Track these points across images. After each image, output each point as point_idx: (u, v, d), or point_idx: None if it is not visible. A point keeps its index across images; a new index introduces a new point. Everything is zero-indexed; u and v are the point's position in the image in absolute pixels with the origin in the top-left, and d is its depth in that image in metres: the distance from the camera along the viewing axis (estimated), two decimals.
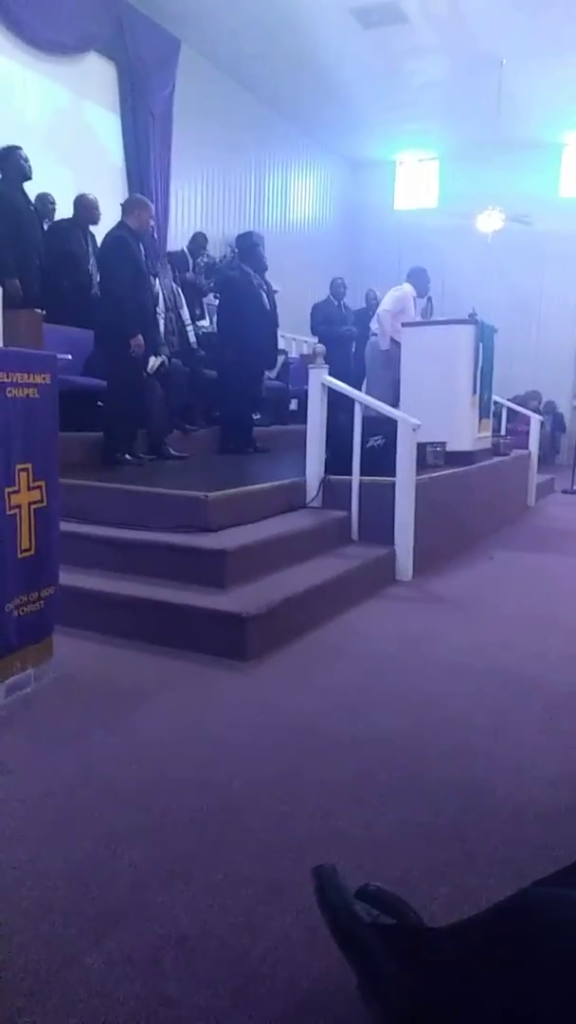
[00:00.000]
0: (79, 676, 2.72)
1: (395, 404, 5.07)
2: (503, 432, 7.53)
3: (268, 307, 6.24)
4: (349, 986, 1.26)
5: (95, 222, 5.93)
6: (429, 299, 6.90)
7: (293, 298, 8.98)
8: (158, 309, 5.76)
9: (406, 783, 2.06)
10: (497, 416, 7.35)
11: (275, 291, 7.37)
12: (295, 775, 2.08)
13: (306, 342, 8.74)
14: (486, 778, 2.09)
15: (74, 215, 5.96)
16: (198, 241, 7.43)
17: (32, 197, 5.60)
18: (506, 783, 2.06)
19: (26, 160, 5.26)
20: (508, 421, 8.13)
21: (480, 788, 2.03)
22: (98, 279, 5.42)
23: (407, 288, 6.64)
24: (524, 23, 8.14)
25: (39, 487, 2.58)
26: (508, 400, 8.31)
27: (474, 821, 1.88)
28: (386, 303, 6.62)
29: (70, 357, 3.20)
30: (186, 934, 1.46)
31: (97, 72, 7.68)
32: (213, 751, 2.22)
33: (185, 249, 7.33)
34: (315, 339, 7.81)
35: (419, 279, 6.70)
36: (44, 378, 2.58)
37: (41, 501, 2.59)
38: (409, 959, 1.15)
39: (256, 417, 6.78)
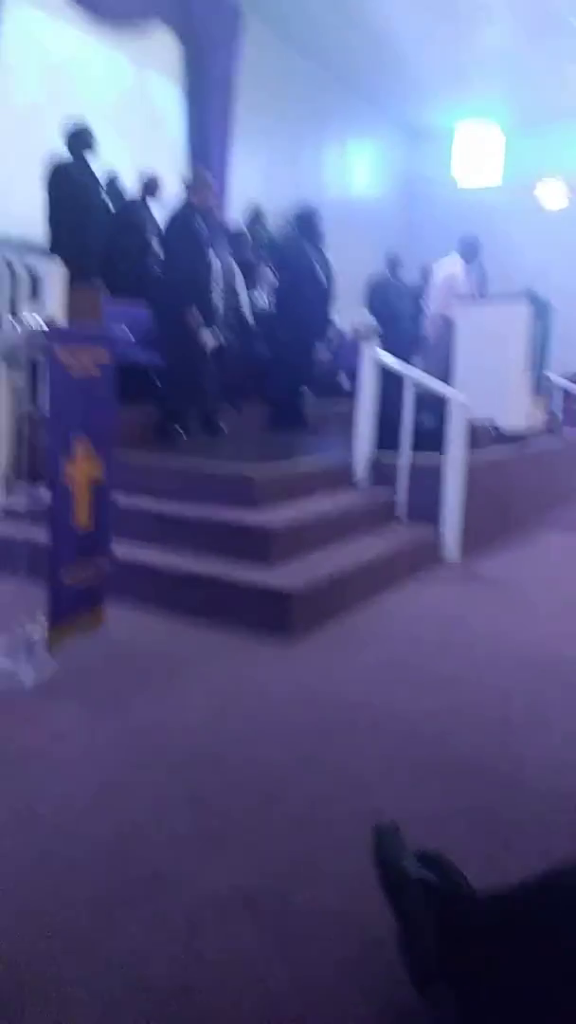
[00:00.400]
0: (128, 646, 2.82)
1: (445, 381, 5.01)
2: (559, 410, 7.37)
3: (324, 282, 6.20)
4: (384, 955, 1.31)
5: (156, 196, 5.98)
6: (480, 265, 6.68)
7: (348, 270, 8.87)
8: (216, 285, 5.78)
9: (441, 762, 2.09)
10: (551, 394, 7.19)
11: (330, 265, 7.31)
12: (332, 752, 2.14)
13: (359, 318, 8.63)
14: (520, 761, 2.11)
15: (139, 191, 6.02)
16: (256, 216, 7.38)
17: (97, 172, 5.66)
18: (541, 767, 2.08)
19: (93, 138, 5.33)
20: (564, 400, 7.94)
21: (515, 770, 2.06)
22: (161, 256, 5.47)
23: (455, 262, 6.49)
24: None
25: (96, 461, 2.66)
26: (566, 379, 8.10)
27: (510, 803, 1.91)
28: (442, 283, 6.49)
29: (132, 338, 3.26)
30: (224, 900, 1.53)
31: (160, 43, 7.64)
32: (254, 725, 2.29)
33: (244, 228, 7.30)
34: (368, 314, 7.71)
35: (467, 247, 6.52)
36: (104, 355, 2.65)
37: (98, 475, 2.67)
38: (446, 916, 1.20)
39: (305, 391, 6.76)
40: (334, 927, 1.46)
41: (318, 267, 6.12)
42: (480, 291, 6.67)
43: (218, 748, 2.13)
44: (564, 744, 2.22)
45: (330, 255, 7.31)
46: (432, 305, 6.43)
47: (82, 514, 2.63)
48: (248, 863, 1.64)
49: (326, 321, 6.51)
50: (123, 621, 2.94)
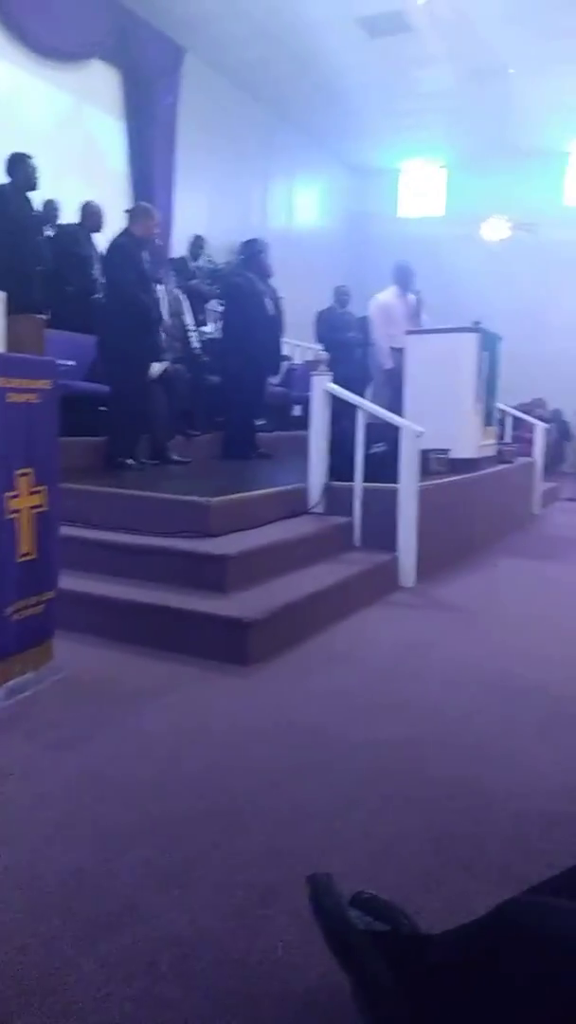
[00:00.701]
0: (80, 680, 2.73)
1: (397, 411, 5.08)
2: (509, 440, 7.53)
3: (272, 313, 6.26)
4: (345, 991, 1.26)
5: (99, 229, 5.97)
6: (417, 294, 6.82)
7: (298, 304, 8.99)
8: (162, 315, 5.79)
9: (405, 789, 2.05)
10: (502, 424, 7.35)
11: (280, 297, 7.40)
12: (295, 780, 2.08)
13: (310, 348, 8.75)
14: (486, 784, 2.08)
15: (80, 221, 6.00)
16: (197, 244, 7.45)
17: (37, 203, 5.64)
18: (506, 790, 2.06)
19: (34, 170, 5.30)
20: (514, 429, 8.13)
21: (480, 794, 2.03)
22: (104, 286, 5.46)
23: (389, 292, 6.63)
24: (531, 33, 8.17)
25: (40, 492, 2.59)
26: (514, 408, 8.30)
27: (473, 827, 1.87)
28: (376, 317, 6.62)
29: (72, 363, 3.23)
30: (182, 937, 1.45)
31: (101, 79, 7.73)
32: (213, 755, 2.22)
33: (187, 255, 7.36)
34: (319, 346, 7.82)
35: (401, 275, 6.65)
36: (45, 384, 2.60)
37: (41, 506, 2.60)
38: (402, 966, 1.15)
39: (260, 423, 6.80)
40: (299, 960, 1.40)
41: (266, 299, 6.18)
42: (416, 318, 6.78)
43: (176, 780, 2.06)
44: (524, 767, 2.21)
45: (280, 288, 7.42)
46: (373, 335, 6.53)
47: (27, 546, 2.55)
48: (209, 900, 1.57)
49: (278, 353, 6.56)
50: (75, 654, 2.85)
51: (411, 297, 6.78)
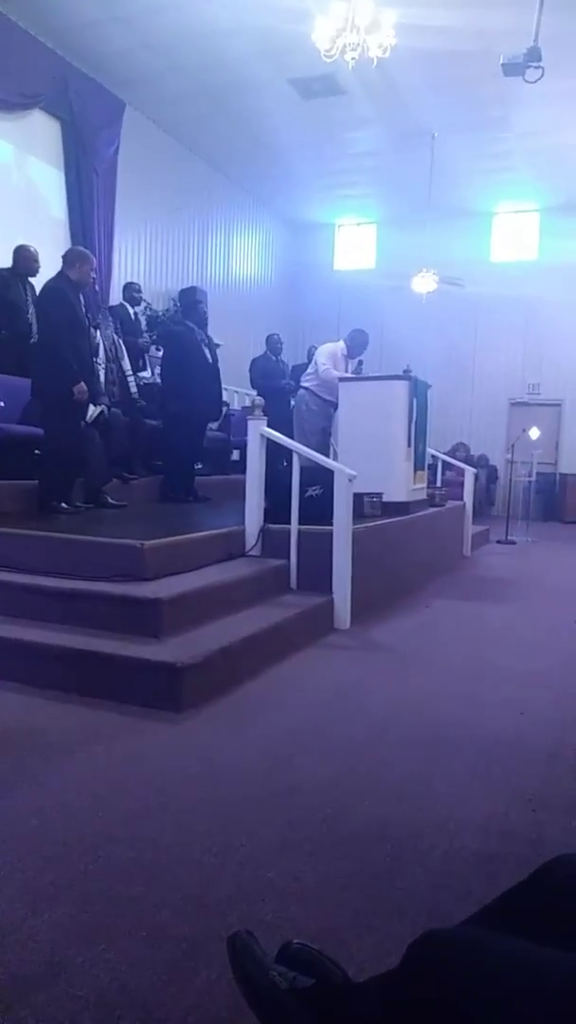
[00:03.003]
0: (3, 729, 2.64)
1: (322, 453, 5.17)
2: (439, 484, 7.73)
3: (210, 360, 6.34)
4: None
5: (34, 273, 5.97)
6: (360, 363, 7.03)
7: (236, 352, 9.15)
8: (98, 359, 5.80)
9: (336, 832, 2.04)
10: (433, 468, 7.55)
11: (218, 345, 7.49)
12: (225, 827, 2.05)
13: (248, 395, 8.87)
14: (416, 824, 2.09)
15: (13, 265, 5.99)
16: (131, 290, 7.52)
17: None
18: (435, 829, 2.07)
19: None
20: (444, 474, 8.35)
21: (410, 835, 2.04)
22: (36, 328, 5.43)
23: (340, 345, 6.83)
24: (454, 100, 8.66)
25: None
26: (438, 452, 8.56)
27: (403, 868, 1.87)
28: (323, 359, 6.77)
29: (2, 404, 3.19)
30: (106, 996, 1.40)
31: (41, 129, 7.81)
32: (142, 805, 2.17)
33: (124, 302, 7.41)
34: (255, 392, 7.94)
35: (354, 341, 6.86)
36: None
37: None
38: (326, 1015, 1.13)
39: (198, 467, 6.82)
40: (225, 1014, 1.36)
41: (205, 347, 6.26)
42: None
43: (102, 832, 2.00)
44: (453, 807, 2.22)
45: (218, 336, 7.52)
46: (326, 377, 6.64)
47: None
48: (135, 955, 1.52)
49: (220, 398, 6.63)
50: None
51: (353, 362, 7.00)
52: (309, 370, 6.97)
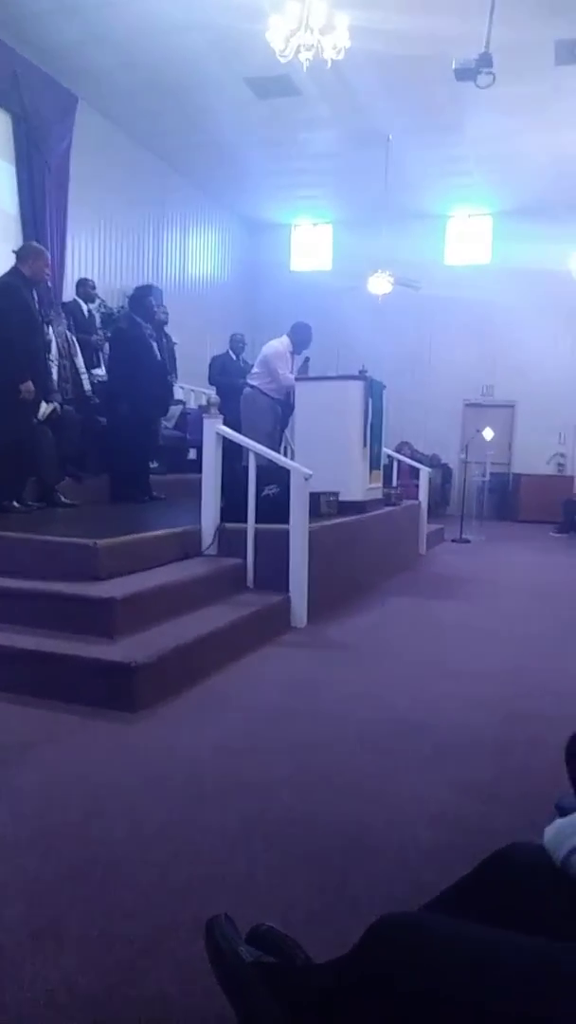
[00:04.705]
0: None
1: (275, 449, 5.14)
2: (395, 483, 7.80)
3: (159, 357, 6.29)
4: None
5: None
6: (307, 359, 6.97)
7: (192, 351, 9.10)
8: (51, 356, 5.71)
9: (291, 827, 2.05)
10: (388, 468, 7.60)
11: (175, 343, 7.44)
12: (179, 824, 2.04)
13: (204, 393, 8.83)
14: (370, 818, 2.11)
15: None
16: (86, 287, 7.42)
17: None
18: (389, 823, 2.09)
19: None
20: (400, 473, 8.43)
21: (363, 828, 2.05)
22: None
23: (285, 341, 6.72)
24: (409, 103, 8.75)
25: None
26: (400, 452, 8.64)
27: (357, 861, 1.88)
28: (278, 364, 6.64)
29: None
30: (56, 998, 1.38)
31: None
32: (95, 804, 2.14)
33: (77, 298, 7.31)
34: (213, 390, 7.90)
35: (298, 335, 6.74)
36: None
37: None
38: (287, 996, 1.15)
39: (153, 465, 6.75)
40: (178, 1011, 1.35)
41: (154, 343, 6.21)
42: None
43: (53, 832, 1.97)
44: (406, 799, 2.25)
45: (174, 334, 7.47)
46: (281, 376, 6.56)
47: None
48: (88, 955, 1.50)
49: (168, 395, 6.57)
50: None
51: (299, 358, 6.91)
52: (256, 368, 6.88)
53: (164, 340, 6.52)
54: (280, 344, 6.70)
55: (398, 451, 9.64)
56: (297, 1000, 1.16)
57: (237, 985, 1.22)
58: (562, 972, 0.91)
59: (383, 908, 1.66)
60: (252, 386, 6.77)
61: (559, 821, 1.12)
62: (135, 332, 6.07)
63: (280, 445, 6.71)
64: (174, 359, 7.46)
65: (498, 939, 0.98)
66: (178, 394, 8.51)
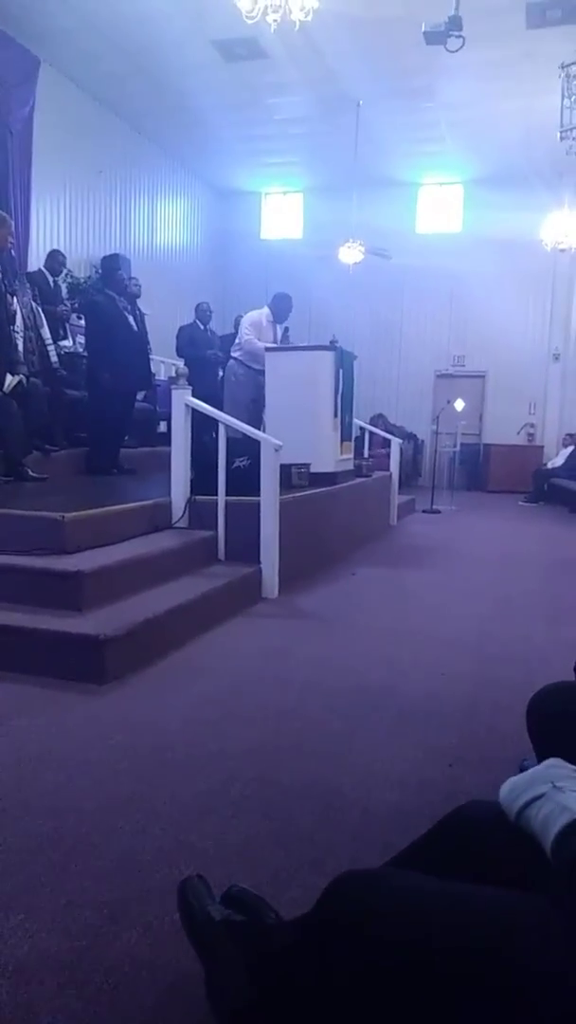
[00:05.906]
0: None
1: (254, 424, 5.16)
2: (366, 454, 7.82)
3: (136, 329, 6.21)
4: (193, 1000, 1.26)
5: None
6: (287, 329, 6.97)
7: (161, 321, 8.98)
8: (16, 328, 5.59)
9: (259, 793, 2.08)
10: (360, 439, 7.62)
11: (144, 314, 7.33)
12: (149, 793, 2.06)
13: (174, 364, 8.74)
14: (337, 782, 2.15)
15: None
16: (56, 259, 7.27)
17: None
18: (355, 786, 2.13)
19: None
20: (371, 444, 8.45)
21: (330, 792, 2.09)
22: None
23: (265, 311, 6.75)
24: (379, 68, 8.62)
25: None
26: (372, 423, 8.65)
27: (323, 824, 1.92)
28: (247, 329, 6.68)
29: None
30: (25, 963, 1.40)
31: None
32: (64, 776, 2.15)
33: (43, 268, 7.16)
34: (181, 361, 7.82)
35: (278, 306, 6.78)
36: None
37: None
38: (253, 952, 1.18)
39: (125, 439, 6.69)
40: (146, 974, 1.38)
41: (128, 315, 6.12)
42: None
43: (21, 803, 1.97)
44: (372, 765, 2.28)
45: (144, 305, 7.36)
46: (252, 348, 6.55)
47: None
48: (55, 923, 1.51)
49: (147, 368, 6.50)
50: None
51: (280, 328, 6.91)
52: (237, 340, 6.90)
53: (139, 312, 6.42)
54: (258, 313, 6.70)
55: (373, 423, 9.66)
56: (264, 954, 1.19)
57: (206, 942, 1.25)
58: (519, 919, 0.94)
59: (347, 867, 1.70)
60: (234, 358, 6.75)
61: (513, 778, 1.15)
62: (108, 304, 5.98)
63: (263, 416, 6.70)
64: (146, 332, 7.36)
65: (457, 889, 1.01)
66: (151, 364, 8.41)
